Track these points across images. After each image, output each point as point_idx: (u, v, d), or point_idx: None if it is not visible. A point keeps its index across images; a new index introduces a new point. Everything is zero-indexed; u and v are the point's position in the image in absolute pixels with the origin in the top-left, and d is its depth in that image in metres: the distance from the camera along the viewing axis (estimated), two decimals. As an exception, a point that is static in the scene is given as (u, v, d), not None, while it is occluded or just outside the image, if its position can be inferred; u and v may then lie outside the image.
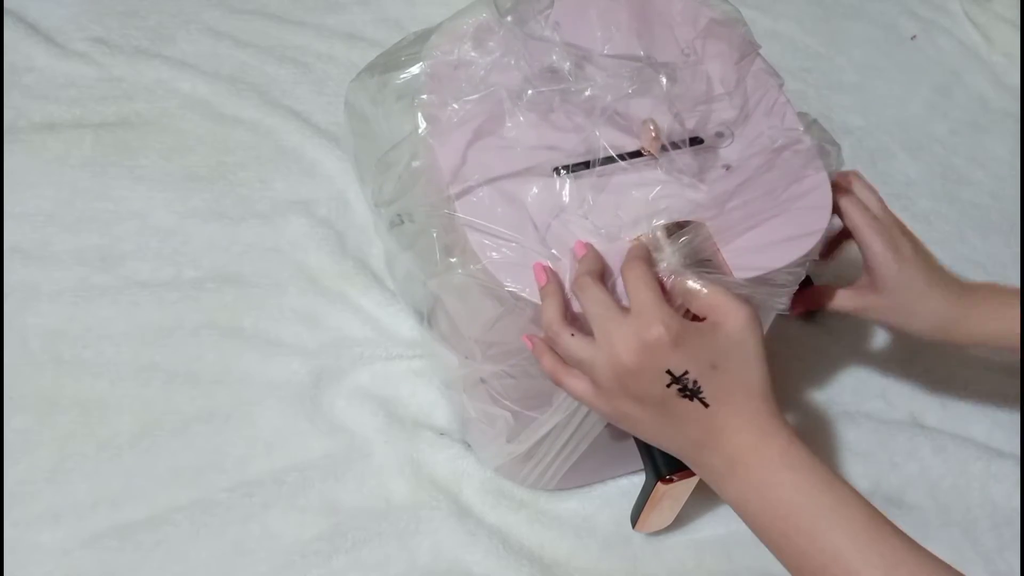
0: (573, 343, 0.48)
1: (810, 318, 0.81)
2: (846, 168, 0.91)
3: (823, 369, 0.78)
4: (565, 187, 0.53)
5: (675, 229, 0.52)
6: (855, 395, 0.77)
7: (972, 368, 0.79)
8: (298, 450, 0.71)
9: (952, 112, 0.98)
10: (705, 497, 0.70)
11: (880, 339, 0.81)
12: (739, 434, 0.46)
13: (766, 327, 0.62)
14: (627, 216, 0.53)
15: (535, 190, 0.53)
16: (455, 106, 0.55)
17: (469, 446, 0.72)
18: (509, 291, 0.51)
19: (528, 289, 0.51)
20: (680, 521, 0.69)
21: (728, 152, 0.56)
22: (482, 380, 0.61)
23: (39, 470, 0.69)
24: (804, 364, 0.78)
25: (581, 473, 0.68)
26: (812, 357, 0.79)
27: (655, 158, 0.54)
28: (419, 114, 0.56)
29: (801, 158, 0.57)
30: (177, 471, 0.69)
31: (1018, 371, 0.79)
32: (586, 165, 0.54)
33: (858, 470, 0.73)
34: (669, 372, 0.46)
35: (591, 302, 0.48)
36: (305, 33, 0.98)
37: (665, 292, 0.48)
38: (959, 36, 1.05)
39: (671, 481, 0.59)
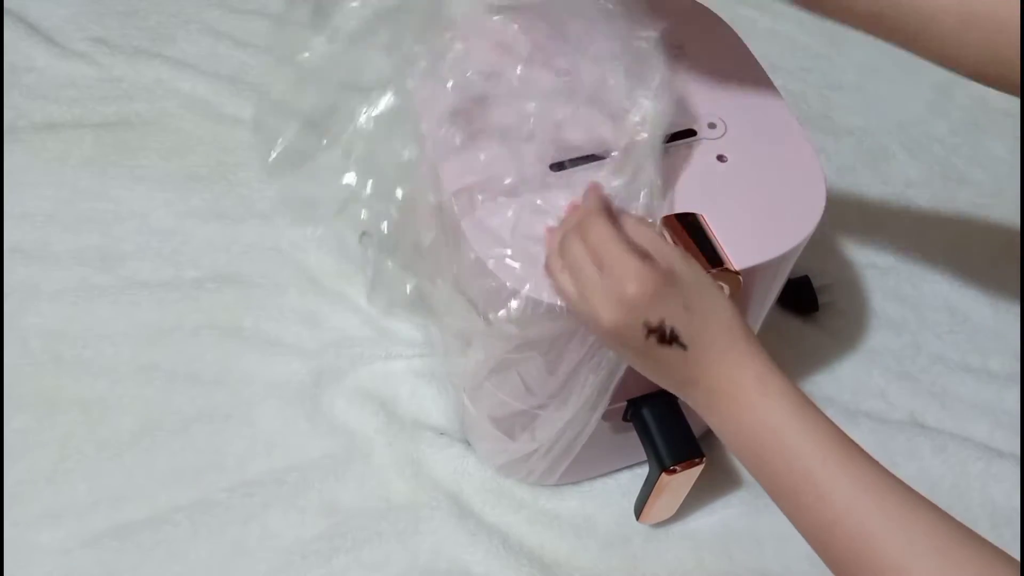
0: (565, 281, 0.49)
1: (810, 318, 0.81)
2: (846, 168, 0.92)
3: (823, 369, 0.78)
4: (561, 183, 0.53)
5: (676, 221, 0.52)
6: (855, 395, 0.77)
7: (972, 368, 0.79)
8: (298, 450, 0.71)
9: (952, 112, 0.98)
10: (706, 497, 0.70)
11: (880, 339, 0.81)
12: (717, 366, 0.47)
13: (761, 316, 0.62)
14: (626, 210, 0.52)
15: (531, 185, 0.53)
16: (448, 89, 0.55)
17: (469, 445, 0.72)
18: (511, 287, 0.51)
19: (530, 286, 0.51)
20: (680, 520, 0.69)
21: (721, 143, 0.57)
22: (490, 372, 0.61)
23: (39, 470, 0.69)
24: (804, 364, 0.78)
25: (583, 467, 0.68)
26: (812, 357, 0.79)
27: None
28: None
29: (792, 146, 0.57)
30: (177, 471, 0.69)
31: (1018, 371, 0.79)
32: (581, 160, 0.54)
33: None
34: (646, 324, 0.46)
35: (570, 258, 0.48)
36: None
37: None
38: (959, 36, 1.05)
39: (675, 472, 0.59)
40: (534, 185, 0.53)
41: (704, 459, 0.60)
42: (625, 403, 0.62)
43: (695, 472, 0.60)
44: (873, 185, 0.91)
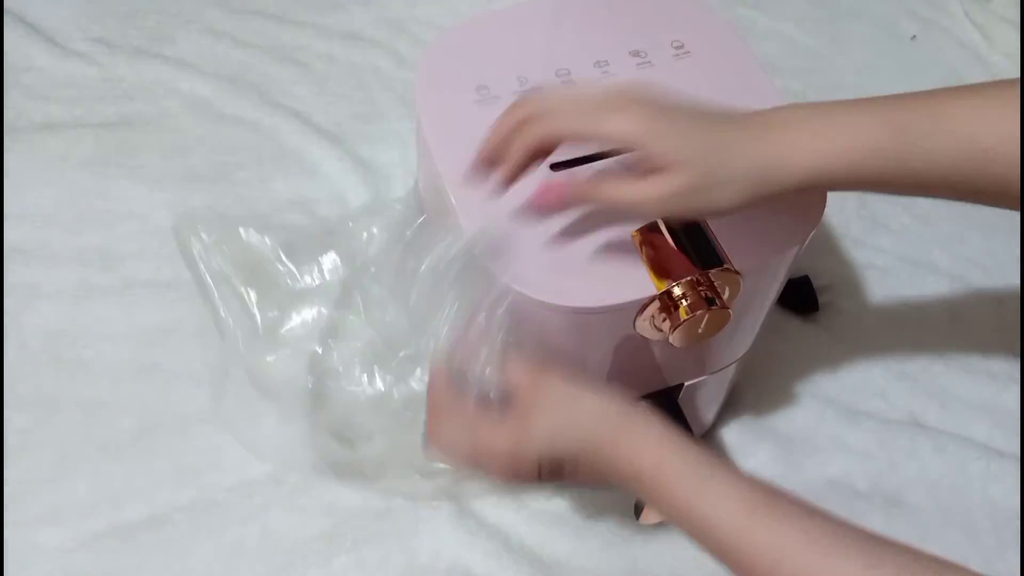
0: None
1: (810, 318, 0.81)
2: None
3: (823, 368, 0.78)
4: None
5: (676, 224, 0.51)
6: (855, 394, 0.77)
7: (972, 368, 0.79)
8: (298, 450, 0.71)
9: (952, 112, 0.98)
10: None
11: (880, 339, 0.81)
12: (618, 465, 0.48)
13: (761, 317, 0.62)
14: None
15: (533, 186, 0.53)
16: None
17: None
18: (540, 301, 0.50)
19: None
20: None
21: None
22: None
23: (39, 470, 0.69)
24: (804, 363, 0.78)
25: None
26: (812, 356, 0.79)
27: None
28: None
29: None
30: (177, 471, 0.69)
31: (1018, 371, 0.79)
32: (582, 160, 0.54)
33: (858, 469, 0.73)
34: (534, 472, 0.49)
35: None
36: (305, 33, 0.98)
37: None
38: (959, 36, 1.05)
39: None
40: (534, 186, 0.53)
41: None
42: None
43: None
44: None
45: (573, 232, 0.52)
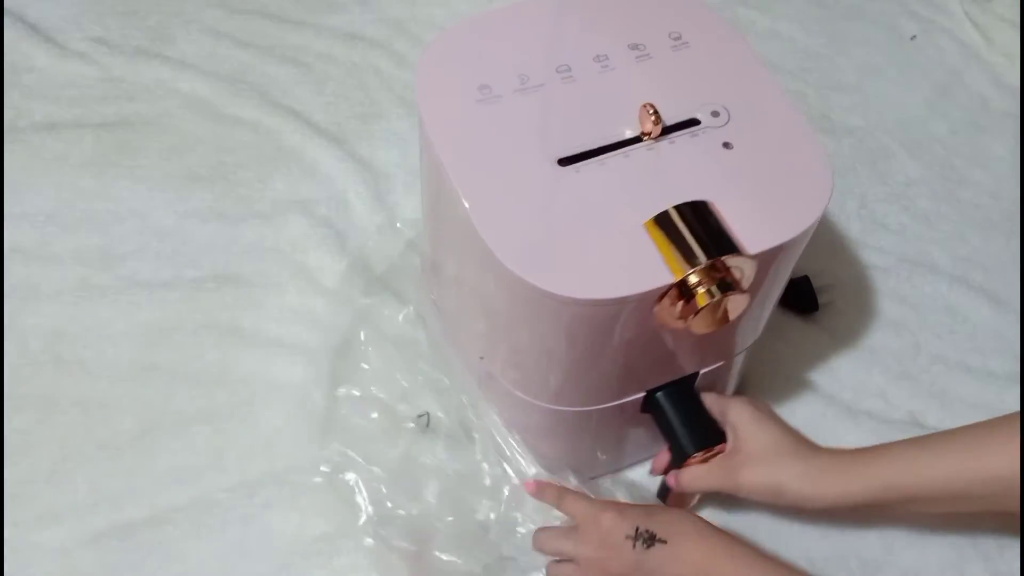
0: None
1: (810, 318, 0.81)
2: (846, 168, 0.92)
3: (823, 368, 0.78)
4: (571, 178, 0.54)
5: (686, 210, 0.52)
6: (855, 394, 0.77)
7: (972, 368, 0.79)
8: (299, 450, 0.71)
9: (952, 112, 0.98)
10: (704, 499, 0.70)
11: (880, 339, 0.81)
12: (696, 551, 0.56)
13: (765, 315, 0.62)
14: (637, 201, 0.53)
15: (542, 182, 0.54)
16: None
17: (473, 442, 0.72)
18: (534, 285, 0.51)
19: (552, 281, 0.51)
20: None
21: (726, 131, 0.57)
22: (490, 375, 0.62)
23: (39, 470, 0.69)
24: (804, 363, 0.78)
25: (596, 464, 0.70)
26: (812, 356, 0.79)
27: (655, 141, 0.55)
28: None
29: (796, 131, 0.58)
30: (177, 471, 0.69)
31: (1018, 371, 0.79)
32: (589, 154, 0.54)
33: (858, 470, 0.73)
34: (628, 536, 0.57)
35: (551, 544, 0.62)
36: (305, 33, 0.98)
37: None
38: (959, 36, 1.05)
39: (699, 459, 0.61)
40: (543, 182, 0.54)
41: (727, 443, 0.61)
42: (643, 394, 0.62)
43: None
44: (873, 185, 0.91)
45: (584, 226, 0.52)
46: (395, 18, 1.00)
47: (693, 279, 0.50)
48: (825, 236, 0.86)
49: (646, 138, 0.55)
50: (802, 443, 0.61)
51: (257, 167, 0.87)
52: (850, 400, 0.77)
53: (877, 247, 0.86)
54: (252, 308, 0.78)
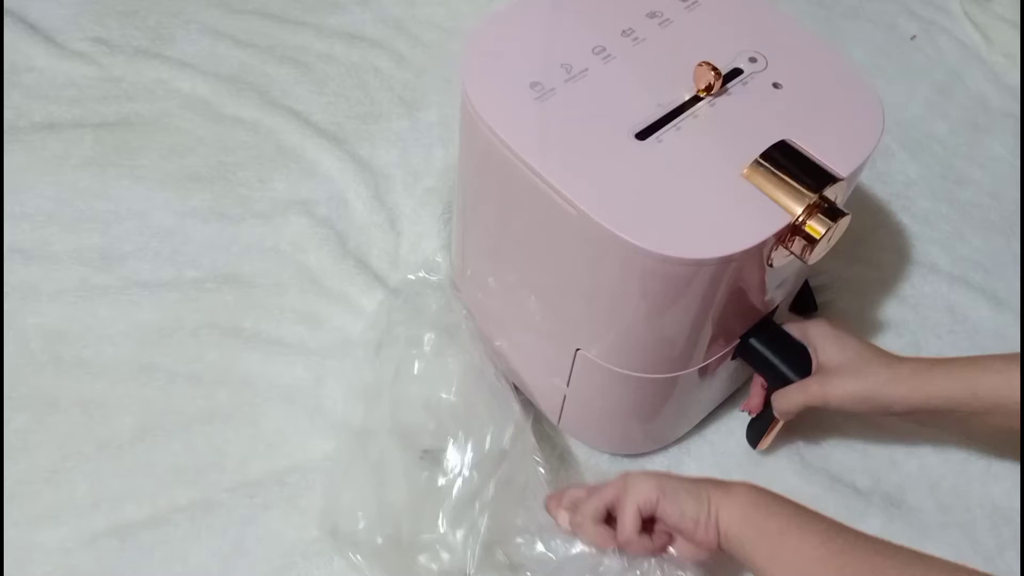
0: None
1: (810, 318, 0.81)
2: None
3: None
4: (657, 148, 0.55)
5: (775, 153, 0.55)
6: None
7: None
8: (299, 451, 0.71)
9: (952, 112, 0.98)
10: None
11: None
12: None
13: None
14: (725, 155, 0.55)
15: (632, 159, 0.55)
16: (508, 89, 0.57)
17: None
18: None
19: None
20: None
21: (769, 74, 0.60)
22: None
23: (39, 470, 0.69)
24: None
25: (662, 432, 0.72)
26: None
27: (714, 97, 0.58)
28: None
29: (829, 59, 0.61)
30: (178, 471, 0.69)
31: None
32: (661, 123, 0.56)
33: (858, 467, 0.73)
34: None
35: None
36: (305, 33, 0.98)
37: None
38: (959, 36, 1.05)
39: None
40: (633, 159, 0.55)
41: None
42: (736, 342, 0.65)
43: None
44: (873, 185, 0.91)
45: (689, 190, 0.54)
46: (395, 18, 1.00)
47: (805, 215, 0.53)
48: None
49: (705, 95, 0.57)
50: (884, 352, 0.65)
51: (257, 167, 0.87)
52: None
53: (877, 247, 0.86)
54: (252, 308, 0.78)
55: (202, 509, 0.68)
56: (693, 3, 0.63)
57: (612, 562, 0.60)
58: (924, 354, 0.79)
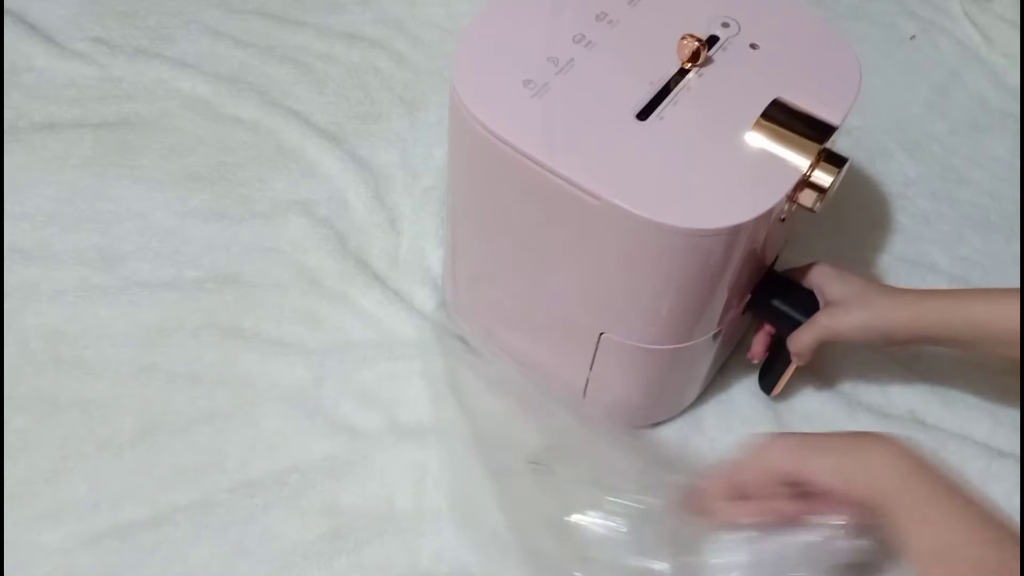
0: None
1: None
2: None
3: (823, 365, 0.78)
4: (659, 125, 0.56)
5: (773, 112, 0.57)
6: (855, 391, 0.77)
7: (974, 367, 0.79)
8: (300, 451, 0.71)
9: (951, 112, 0.98)
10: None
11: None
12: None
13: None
14: (725, 122, 0.56)
15: (638, 139, 0.56)
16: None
17: (472, 445, 0.72)
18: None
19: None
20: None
21: (744, 36, 0.61)
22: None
23: (39, 470, 0.69)
24: (804, 363, 0.79)
25: (682, 398, 0.74)
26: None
27: (700, 68, 0.59)
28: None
29: (798, 16, 0.63)
30: (178, 471, 0.69)
31: (1019, 371, 0.79)
32: (657, 100, 0.57)
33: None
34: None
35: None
36: (305, 33, 0.98)
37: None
38: (959, 36, 1.05)
39: None
40: (640, 140, 0.56)
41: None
42: (747, 298, 0.66)
43: None
44: (872, 185, 0.91)
45: (699, 161, 0.55)
46: (395, 18, 1.00)
47: (813, 166, 0.55)
48: (824, 236, 0.86)
49: (691, 66, 0.59)
50: (887, 285, 0.68)
51: (257, 167, 0.87)
52: (850, 397, 0.77)
53: (876, 247, 0.86)
54: (252, 308, 0.78)
55: (202, 509, 0.68)
56: None
57: (796, 537, 0.57)
58: (924, 355, 0.80)
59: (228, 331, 0.76)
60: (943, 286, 0.84)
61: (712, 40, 0.60)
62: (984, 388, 0.78)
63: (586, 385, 0.70)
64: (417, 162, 0.89)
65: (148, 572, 0.65)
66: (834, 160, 0.56)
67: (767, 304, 0.68)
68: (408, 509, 0.69)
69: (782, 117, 0.57)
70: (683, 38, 0.58)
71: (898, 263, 0.85)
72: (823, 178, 0.56)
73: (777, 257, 0.70)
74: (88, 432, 0.71)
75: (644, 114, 0.57)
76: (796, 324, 0.67)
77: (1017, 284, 0.85)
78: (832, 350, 0.79)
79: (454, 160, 0.63)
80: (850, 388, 0.77)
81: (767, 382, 0.75)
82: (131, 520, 0.67)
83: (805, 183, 0.56)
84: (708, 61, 0.59)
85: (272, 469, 0.70)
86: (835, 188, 0.57)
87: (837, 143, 0.93)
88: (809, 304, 0.67)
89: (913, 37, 1.05)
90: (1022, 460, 0.74)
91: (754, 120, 0.56)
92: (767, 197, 0.54)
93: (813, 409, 0.76)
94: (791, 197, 0.56)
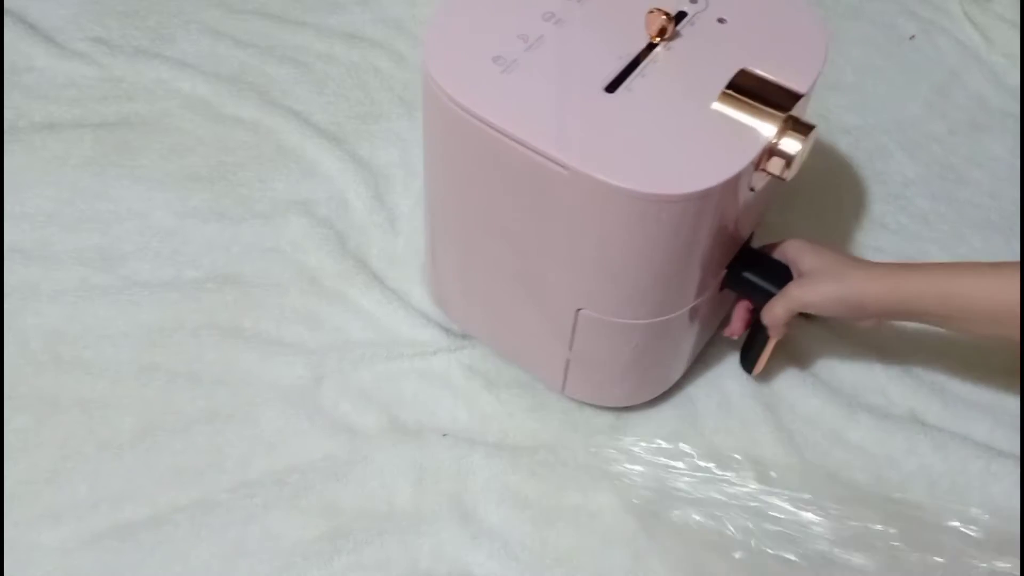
0: None
1: (809, 317, 0.81)
2: (843, 167, 0.92)
3: (823, 365, 0.78)
4: (627, 97, 0.57)
5: (740, 81, 0.57)
6: (855, 391, 0.77)
7: (973, 367, 0.79)
8: (299, 451, 0.71)
9: (951, 112, 0.98)
10: (703, 499, 0.70)
11: (881, 337, 0.81)
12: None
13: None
14: (693, 93, 0.57)
15: (608, 111, 0.56)
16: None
17: (473, 444, 0.72)
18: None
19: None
20: (680, 520, 0.70)
21: (712, 11, 0.62)
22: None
23: (39, 470, 0.69)
24: (804, 360, 0.79)
25: (666, 375, 0.74)
26: (812, 353, 0.79)
27: (668, 42, 0.60)
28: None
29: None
30: (178, 471, 0.69)
31: (1018, 370, 0.79)
32: (626, 74, 0.58)
33: (857, 465, 0.73)
34: None
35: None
36: (305, 33, 0.98)
37: None
38: (958, 36, 1.05)
39: None
40: (610, 112, 0.56)
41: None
42: (725, 271, 0.67)
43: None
44: (871, 184, 0.91)
45: (669, 132, 0.56)
46: (395, 18, 1.00)
47: (779, 134, 0.56)
48: (822, 236, 0.86)
49: (659, 40, 0.60)
50: (859, 258, 0.69)
51: (257, 167, 0.87)
52: (850, 397, 0.77)
53: (875, 247, 0.87)
54: (252, 308, 0.78)
55: (202, 509, 0.68)
56: None
57: None
58: (923, 352, 0.80)
59: (228, 331, 0.76)
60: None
61: (681, 15, 0.62)
62: (985, 387, 0.78)
63: (567, 368, 0.70)
64: (417, 162, 0.89)
65: (148, 572, 0.65)
66: (801, 128, 0.57)
67: (741, 278, 0.69)
68: (408, 509, 0.69)
69: (748, 86, 0.57)
70: (650, 12, 0.59)
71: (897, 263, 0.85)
72: (791, 145, 0.56)
73: (753, 234, 0.70)
74: (88, 432, 0.71)
75: (612, 87, 0.57)
76: (771, 297, 0.68)
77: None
78: (828, 347, 0.80)
79: (428, 142, 0.64)
80: (850, 389, 0.77)
81: (747, 361, 0.75)
82: (131, 520, 0.67)
83: (773, 151, 0.57)
84: (676, 35, 0.60)
85: (272, 469, 0.70)
86: (804, 155, 0.57)
87: (840, 143, 0.93)
88: (784, 278, 0.68)
89: (913, 37, 1.05)
90: (1022, 460, 0.74)
91: (720, 90, 0.57)
92: (733, 163, 0.55)
93: (813, 410, 0.76)
94: (760, 166, 0.57)
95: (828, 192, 0.90)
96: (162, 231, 0.82)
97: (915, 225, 0.89)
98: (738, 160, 0.55)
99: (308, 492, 0.69)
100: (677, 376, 0.75)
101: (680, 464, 0.72)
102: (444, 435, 0.72)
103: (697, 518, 0.69)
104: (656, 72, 0.59)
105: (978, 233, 0.89)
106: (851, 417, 0.75)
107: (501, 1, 0.62)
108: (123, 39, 0.95)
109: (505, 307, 0.70)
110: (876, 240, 0.87)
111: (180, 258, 0.81)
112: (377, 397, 0.74)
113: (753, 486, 0.71)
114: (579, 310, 0.64)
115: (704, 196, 0.54)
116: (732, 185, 0.55)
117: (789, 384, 0.77)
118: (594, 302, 0.63)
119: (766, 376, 0.77)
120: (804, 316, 0.80)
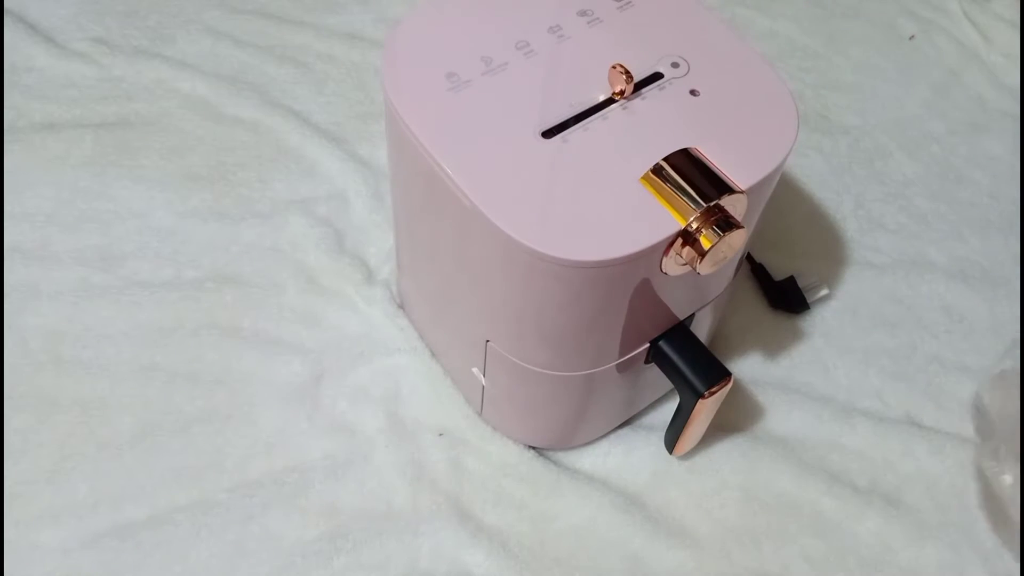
0: None
1: (805, 317, 0.81)
2: (843, 167, 0.92)
3: (818, 369, 0.79)
4: (560, 148, 0.55)
5: (676, 159, 0.54)
6: (850, 394, 0.77)
7: (969, 368, 0.79)
8: (299, 450, 0.71)
9: (950, 112, 0.98)
10: (704, 498, 0.70)
11: (876, 339, 0.81)
12: None
13: (751, 230, 0.62)
14: (627, 159, 0.54)
15: (534, 158, 0.54)
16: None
17: (470, 444, 0.72)
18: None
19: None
20: (679, 521, 0.70)
21: (688, 80, 0.58)
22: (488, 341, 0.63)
23: (39, 470, 0.69)
24: (798, 364, 0.79)
25: (597, 424, 0.72)
26: (807, 357, 0.79)
27: (628, 100, 0.57)
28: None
29: (752, 69, 0.60)
30: (177, 471, 0.70)
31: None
32: (570, 123, 0.55)
33: (854, 468, 0.73)
34: None
35: None
36: (305, 33, 0.98)
37: None
38: (958, 36, 1.05)
39: (709, 396, 0.62)
40: (535, 159, 0.54)
41: (731, 378, 0.63)
42: (647, 346, 0.64)
43: (725, 392, 0.63)
44: (870, 184, 0.91)
45: (585, 192, 0.53)
46: (395, 18, 1.00)
47: (696, 224, 0.52)
48: (821, 235, 0.87)
49: (619, 98, 0.57)
50: None
51: (257, 167, 0.87)
52: (845, 400, 0.77)
53: (874, 247, 0.87)
54: (252, 308, 0.78)
55: (202, 509, 0.68)
56: (627, 3, 0.62)
57: None
58: (920, 354, 0.80)
59: (228, 331, 0.77)
60: (941, 286, 0.84)
61: (656, 76, 0.58)
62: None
63: (482, 394, 0.69)
64: (416, 162, 0.89)
65: (148, 572, 0.65)
66: (724, 224, 0.52)
67: (665, 357, 0.64)
68: (406, 508, 0.69)
69: (682, 167, 0.53)
70: (613, 67, 0.56)
71: (896, 263, 0.85)
72: (706, 239, 0.52)
73: (693, 315, 0.65)
74: (88, 432, 0.71)
75: (550, 133, 0.55)
76: (690, 387, 0.63)
77: (1017, 284, 0.85)
78: (827, 358, 0.80)
79: (388, 143, 0.63)
80: (844, 396, 0.77)
81: (670, 437, 0.70)
82: (131, 520, 0.67)
83: (688, 240, 0.53)
84: (639, 96, 0.57)
85: (271, 469, 0.70)
86: (724, 254, 0.53)
87: (840, 142, 0.94)
88: (709, 372, 0.63)
89: (912, 37, 1.05)
90: (1022, 460, 0.74)
91: (654, 164, 0.53)
92: (627, 244, 0.51)
93: (810, 418, 0.75)
94: (676, 252, 0.54)
95: (827, 192, 0.90)
96: (162, 231, 0.82)
97: (915, 225, 0.89)
98: (638, 241, 0.51)
99: (307, 492, 0.69)
100: (595, 435, 0.73)
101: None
102: (440, 434, 0.72)
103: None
104: (601, 129, 0.55)
105: (977, 233, 0.89)
106: (847, 423, 0.75)
107: (480, 18, 0.60)
108: (123, 39, 0.95)
109: (441, 321, 0.70)
110: (875, 240, 0.87)
111: (180, 258, 0.81)
112: (376, 396, 0.74)
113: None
114: (487, 341, 0.62)
115: (585, 267, 0.51)
116: (630, 264, 0.52)
117: (783, 390, 0.77)
118: (498, 338, 0.61)
119: (760, 383, 0.77)
120: (791, 311, 0.81)
